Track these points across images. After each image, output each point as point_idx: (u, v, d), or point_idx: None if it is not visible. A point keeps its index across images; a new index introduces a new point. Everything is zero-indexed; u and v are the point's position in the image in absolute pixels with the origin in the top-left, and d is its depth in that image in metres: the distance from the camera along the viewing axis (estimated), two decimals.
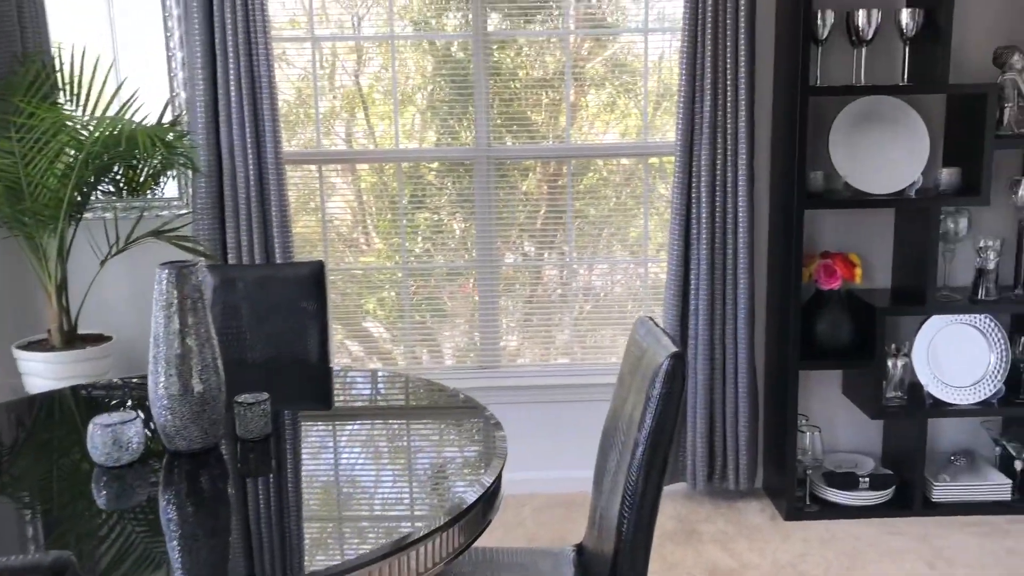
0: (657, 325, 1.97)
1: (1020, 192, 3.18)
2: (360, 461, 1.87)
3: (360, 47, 3.50)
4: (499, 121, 3.49)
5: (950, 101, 3.30)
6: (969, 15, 3.27)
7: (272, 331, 2.79)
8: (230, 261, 3.22)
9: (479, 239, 3.57)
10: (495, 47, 3.45)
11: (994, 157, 3.14)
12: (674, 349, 1.75)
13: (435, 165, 3.54)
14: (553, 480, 3.61)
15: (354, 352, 3.77)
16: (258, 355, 2.80)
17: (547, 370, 3.66)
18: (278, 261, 3.20)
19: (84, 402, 2.25)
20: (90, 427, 1.79)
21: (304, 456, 1.89)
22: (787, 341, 3.25)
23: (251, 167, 3.20)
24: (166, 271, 1.81)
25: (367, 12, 3.50)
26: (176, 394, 1.80)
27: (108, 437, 1.78)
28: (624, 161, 3.55)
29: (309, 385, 2.45)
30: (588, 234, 3.61)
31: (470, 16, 3.40)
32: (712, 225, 3.30)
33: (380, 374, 2.50)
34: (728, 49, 3.17)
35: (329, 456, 1.89)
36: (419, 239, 3.65)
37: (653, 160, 3.53)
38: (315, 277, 2.86)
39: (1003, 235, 3.35)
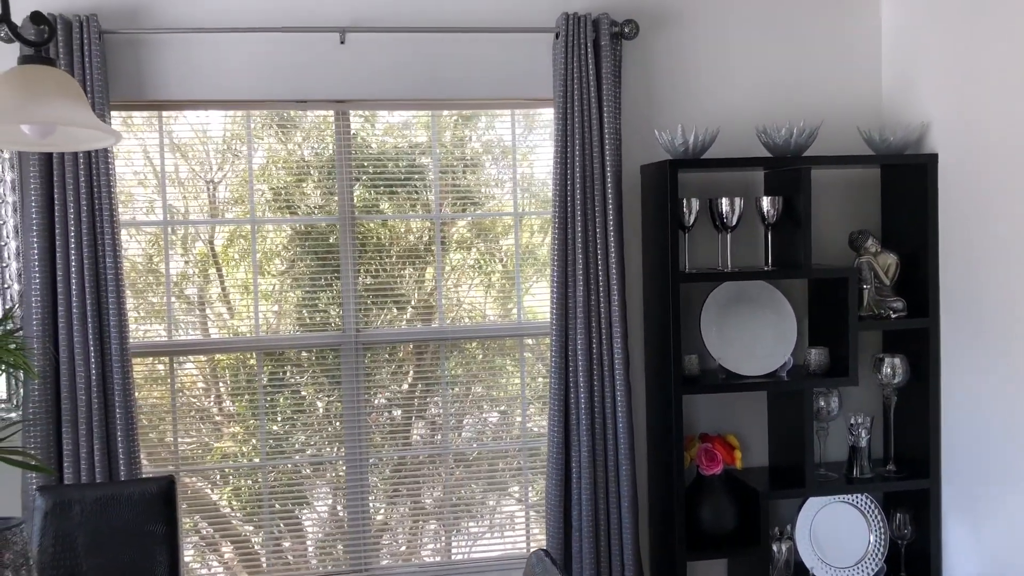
0: (555, 563, 1.81)
1: (884, 370, 3.26)
2: None
3: (215, 207, 3.32)
4: (365, 294, 3.34)
5: (812, 283, 3.39)
6: (824, 200, 3.41)
7: (113, 561, 2.46)
8: (66, 473, 2.86)
9: (347, 423, 3.34)
10: (360, 222, 3.35)
11: (858, 337, 3.22)
12: None
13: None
14: None
15: (209, 549, 3.41)
16: None
17: (425, 570, 3.41)
18: (122, 474, 2.87)
19: None
20: None
21: None
22: (672, 532, 3.14)
23: (93, 366, 2.90)
24: None
25: (223, 176, 3.34)
26: None
27: None
28: (501, 342, 3.46)
29: None
30: (466, 419, 3.46)
31: (334, 186, 3.29)
32: (591, 411, 3.20)
33: None
34: (598, 235, 3.16)
35: None
36: (279, 418, 3.40)
37: (528, 341, 3.45)
38: (164, 495, 2.57)
39: (872, 411, 3.40)
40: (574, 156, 3.15)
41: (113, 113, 3.12)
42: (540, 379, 3.47)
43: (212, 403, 3.41)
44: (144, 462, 3.18)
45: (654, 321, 3.26)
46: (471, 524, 3.51)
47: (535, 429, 3.47)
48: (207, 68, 3.11)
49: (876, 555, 3.27)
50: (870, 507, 3.29)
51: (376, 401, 3.42)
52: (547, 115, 3.42)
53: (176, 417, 3.25)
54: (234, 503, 3.51)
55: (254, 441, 3.37)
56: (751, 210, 3.30)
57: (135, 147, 3.21)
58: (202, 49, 3.09)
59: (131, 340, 3.09)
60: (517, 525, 3.51)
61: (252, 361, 3.33)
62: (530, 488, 3.49)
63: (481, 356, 3.48)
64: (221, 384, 3.43)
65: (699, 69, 3.36)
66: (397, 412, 3.46)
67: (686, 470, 3.25)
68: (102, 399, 2.92)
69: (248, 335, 3.31)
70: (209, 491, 3.47)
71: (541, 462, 3.46)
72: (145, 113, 3.19)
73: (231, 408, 3.42)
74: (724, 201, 3.16)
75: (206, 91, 3.11)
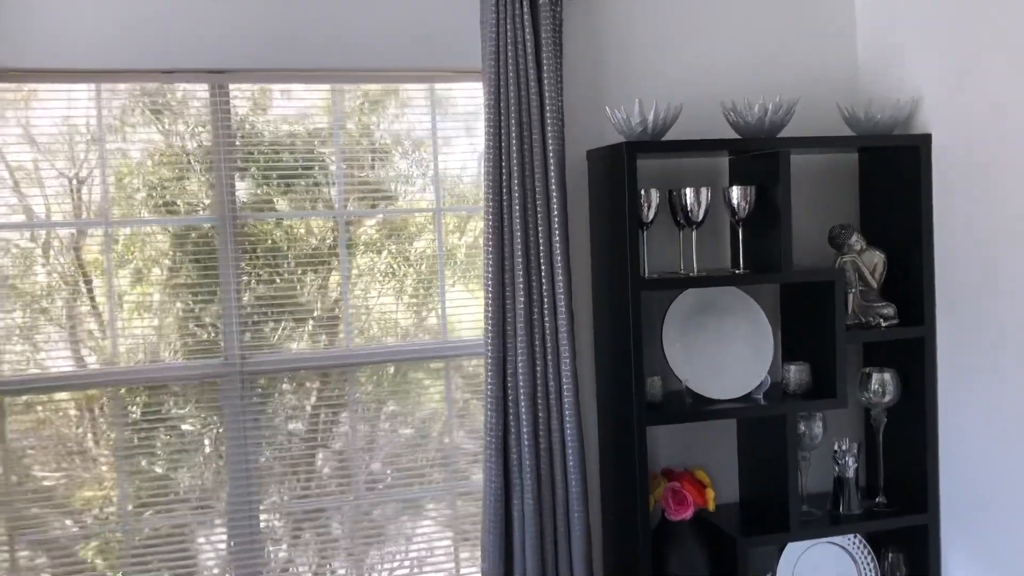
0: None
1: (872, 387, 2.79)
2: None
3: (79, 210, 2.63)
4: (257, 306, 2.69)
5: (785, 288, 2.90)
6: (799, 192, 2.91)
7: None
8: None
9: (232, 465, 2.69)
10: (249, 222, 2.70)
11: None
12: None
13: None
14: None
15: None
16: None
17: None
18: None
19: None
20: None
21: None
22: None
23: None
24: None
25: (88, 175, 2.65)
26: None
27: None
28: (431, 366, 2.86)
29: None
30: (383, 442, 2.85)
31: (212, 179, 2.64)
32: (536, 448, 2.63)
33: None
34: (540, 235, 2.60)
35: None
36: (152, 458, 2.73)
37: (460, 363, 2.87)
38: None
39: (858, 435, 2.93)
40: (510, 139, 2.58)
41: None
42: (457, 392, 2.89)
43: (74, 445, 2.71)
44: None
45: (607, 337, 2.71)
46: (392, 565, 2.90)
47: (461, 447, 2.89)
48: (51, 30, 2.42)
49: None
50: (859, 548, 2.82)
51: (269, 436, 2.78)
52: (462, 101, 2.83)
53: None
54: (98, 562, 2.81)
55: (119, 490, 2.68)
56: (718, 203, 2.78)
57: None
58: (45, 6, 2.41)
59: None
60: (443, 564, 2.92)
61: (122, 393, 2.64)
62: (451, 510, 2.90)
63: (393, 370, 2.89)
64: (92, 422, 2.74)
65: (654, 36, 2.84)
66: (296, 445, 2.83)
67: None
68: None
69: (100, 368, 2.62)
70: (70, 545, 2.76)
71: (463, 486, 2.87)
72: None
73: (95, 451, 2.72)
74: (689, 192, 2.64)
75: (50, 58, 2.43)
